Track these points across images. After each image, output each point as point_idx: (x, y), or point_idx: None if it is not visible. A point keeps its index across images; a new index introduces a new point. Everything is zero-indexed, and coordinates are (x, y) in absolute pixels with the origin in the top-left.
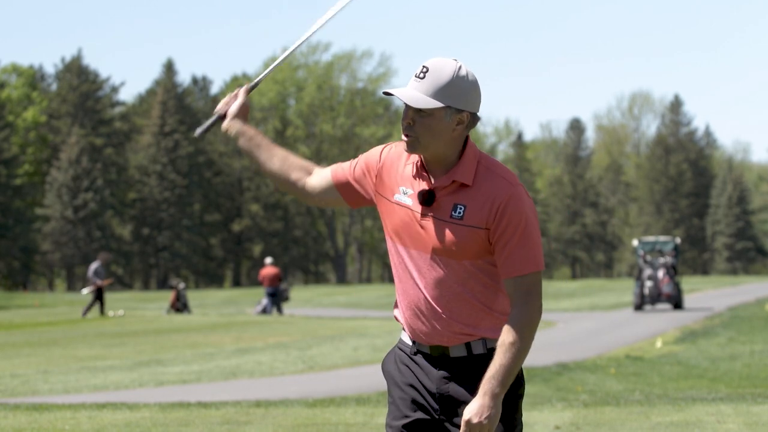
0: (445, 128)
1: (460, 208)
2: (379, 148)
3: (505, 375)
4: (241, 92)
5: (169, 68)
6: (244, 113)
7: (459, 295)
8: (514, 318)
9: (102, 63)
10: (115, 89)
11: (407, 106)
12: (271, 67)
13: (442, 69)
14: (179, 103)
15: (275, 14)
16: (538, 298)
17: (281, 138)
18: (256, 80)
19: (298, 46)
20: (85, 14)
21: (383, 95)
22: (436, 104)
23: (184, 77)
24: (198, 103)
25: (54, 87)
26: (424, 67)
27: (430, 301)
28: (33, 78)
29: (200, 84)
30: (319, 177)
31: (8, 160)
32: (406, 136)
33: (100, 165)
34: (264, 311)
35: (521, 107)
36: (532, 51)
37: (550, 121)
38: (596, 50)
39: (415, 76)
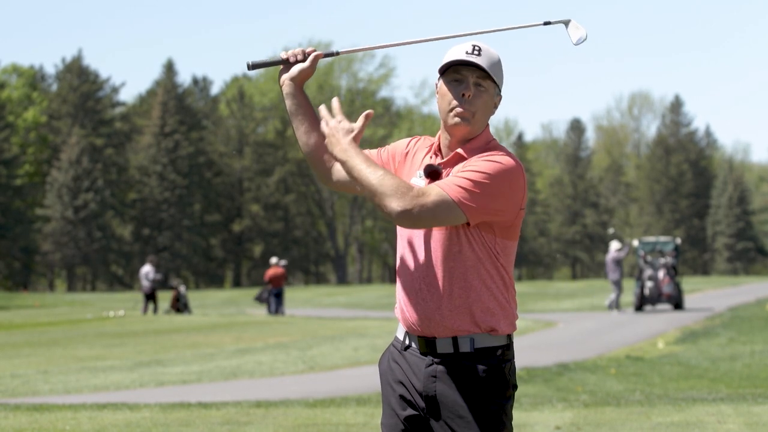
0: (491, 107)
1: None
2: (407, 138)
3: (350, 153)
4: (312, 57)
5: (170, 69)
6: (304, 77)
7: (451, 273)
8: (419, 189)
9: (102, 63)
10: (115, 89)
11: (467, 80)
12: (355, 48)
13: (491, 49)
14: (179, 103)
15: (275, 15)
16: (427, 210)
17: (281, 138)
18: (334, 51)
19: (403, 43)
20: (85, 15)
21: (382, 97)
22: (495, 80)
23: (184, 78)
24: (198, 104)
25: (54, 87)
26: (475, 45)
27: (424, 280)
28: (33, 78)
29: (200, 84)
30: None
31: (8, 160)
32: (462, 109)
33: (100, 165)
34: (269, 311)
35: (521, 107)
36: (532, 51)
37: (550, 122)
38: (596, 50)
39: (467, 53)
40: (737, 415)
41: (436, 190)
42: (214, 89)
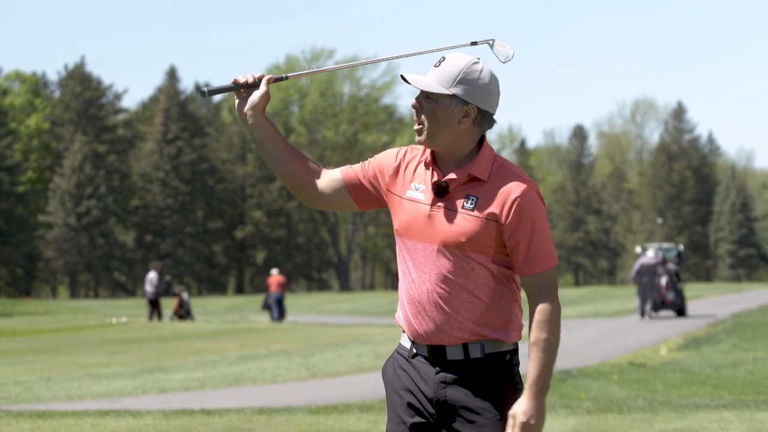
0: (450, 118)
1: (472, 200)
2: (395, 149)
3: (548, 373)
4: (264, 82)
5: (172, 75)
6: (264, 103)
7: (462, 288)
8: (542, 313)
9: (105, 70)
10: (117, 96)
11: (419, 93)
12: (303, 72)
13: (456, 61)
14: (182, 110)
15: (277, 22)
16: (557, 291)
17: None
18: (283, 75)
19: (346, 66)
20: (87, 21)
21: (385, 104)
22: (439, 89)
23: (186, 84)
24: (201, 110)
25: (57, 94)
26: (442, 57)
27: (433, 294)
28: (36, 85)
29: None
30: (327, 179)
31: (11, 167)
32: (416, 123)
33: (103, 172)
34: (272, 318)
35: (524, 114)
36: (534, 57)
37: (553, 128)
38: (599, 57)
39: (433, 66)
40: (740, 422)
41: (546, 278)
42: (216, 96)
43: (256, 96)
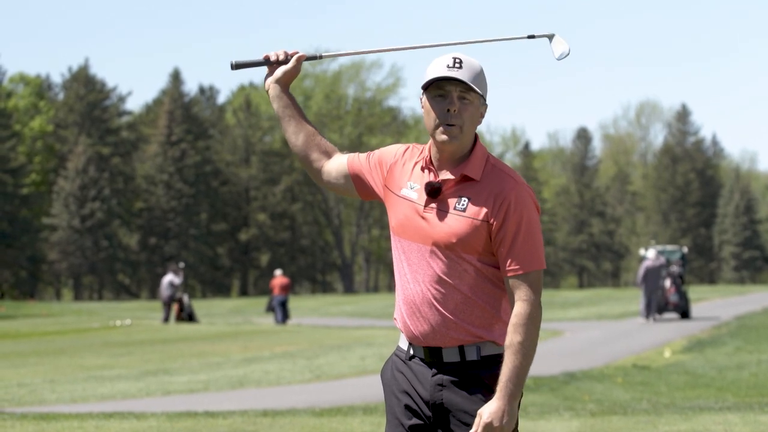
0: (478, 118)
1: (464, 200)
2: (397, 145)
3: (520, 375)
4: (295, 58)
5: (176, 78)
6: (288, 79)
7: (456, 290)
8: (519, 316)
9: (109, 72)
10: (122, 99)
11: (450, 95)
12: (338, 53)
13: (473, 61)
14: (186, 112)
15: (281, 24)
16: (539, 296)
17: (288, 147)
18: (317, 54)
19: (386, 50)
20: (92, 24)
21: (389, 106)
22: (479, 91)
23: (191, 87)
24: (205, 113)
25: (61, 96)
26: (456, 58)
27: (428, 295)
28: (40, 87)
29: (207, 93)
30: (336, 163)
31: (15, 169)
32: (450, 125)
33: (107, 174)
34: (276, 320)
35: (528, 116)
36: (538, 60)
37: (557, 130)
38: (603, 59)
39: (449, 66)
40: (744, 424)
41: (529, 281)
42: (221, 98)
43: (280, 71)
